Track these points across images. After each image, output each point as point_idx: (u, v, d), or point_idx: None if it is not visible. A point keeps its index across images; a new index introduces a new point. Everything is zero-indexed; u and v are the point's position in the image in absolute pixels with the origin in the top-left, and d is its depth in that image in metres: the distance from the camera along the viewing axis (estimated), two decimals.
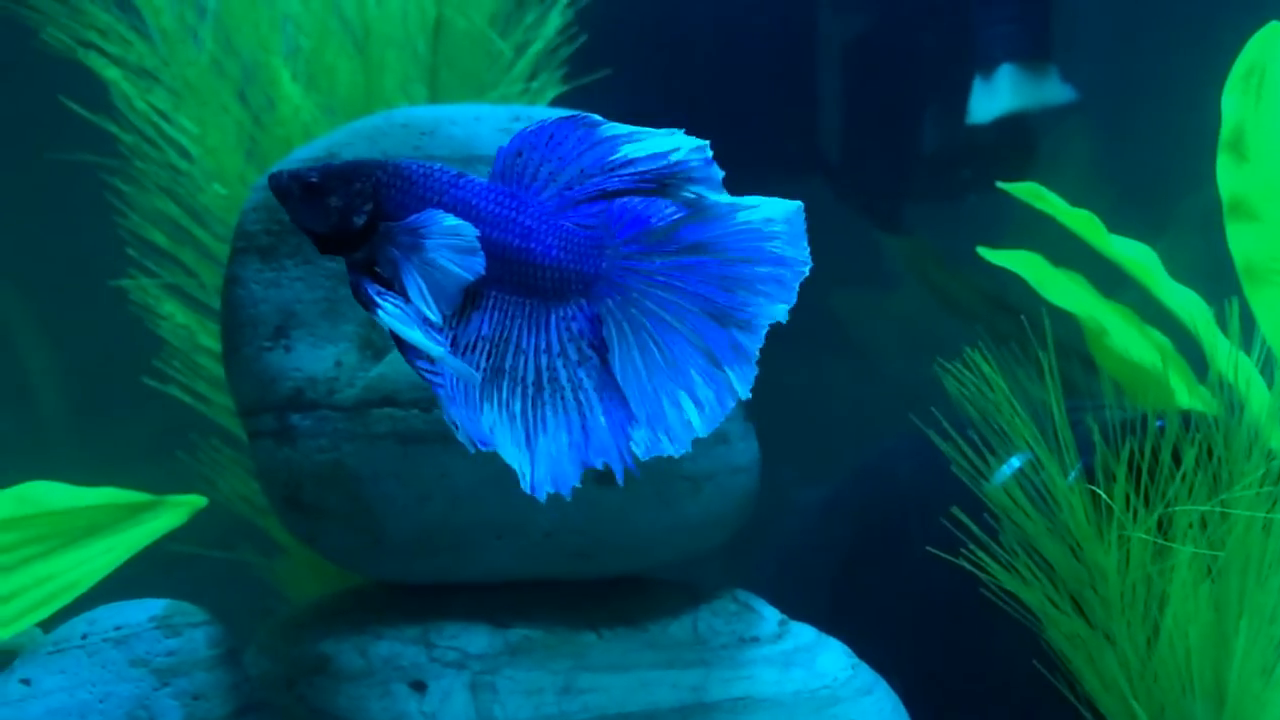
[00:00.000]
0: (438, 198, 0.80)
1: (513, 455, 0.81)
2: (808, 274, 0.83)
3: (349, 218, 0.79)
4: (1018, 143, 2.15)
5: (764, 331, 0.83)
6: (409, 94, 1.98)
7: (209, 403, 1.96)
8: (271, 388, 1.37)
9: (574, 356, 0.81)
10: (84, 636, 1.33)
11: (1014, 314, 1.56)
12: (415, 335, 0.78)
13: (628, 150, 0.80)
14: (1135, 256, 1.67)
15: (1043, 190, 1.68)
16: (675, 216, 0.82)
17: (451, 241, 0.78)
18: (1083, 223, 1.66)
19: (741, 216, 0.82)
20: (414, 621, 1.37)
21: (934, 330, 2.15)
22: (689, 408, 0.81)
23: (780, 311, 0.82)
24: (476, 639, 1.35)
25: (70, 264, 2.03)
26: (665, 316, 0.82)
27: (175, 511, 1.56)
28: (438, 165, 0.82)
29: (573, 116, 0.81)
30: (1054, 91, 2.12)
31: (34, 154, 1.93)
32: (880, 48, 2.22)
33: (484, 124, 1.44)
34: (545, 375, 0.81)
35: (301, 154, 1.45)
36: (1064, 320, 1.64)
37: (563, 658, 1.35)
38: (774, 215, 0.82)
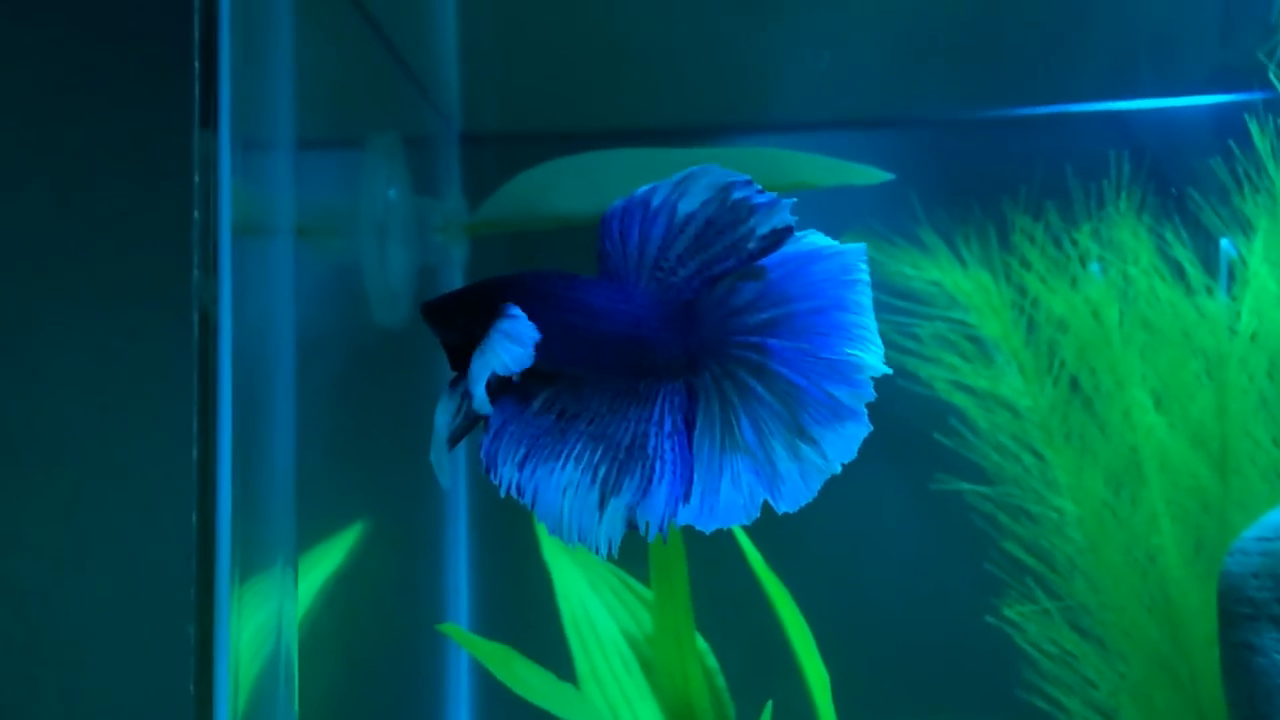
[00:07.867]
0: (555, 300, 0.86)
1: (554, 504, 0.83)
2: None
3: (472, 330, 0.87)
4: None
5: (870, 384, 0.80)
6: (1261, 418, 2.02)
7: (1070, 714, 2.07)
8: None
9: (667, 428, 0.84)
10: None
11: None
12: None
13: (683, 208, 0.83)
14: None
15: None
16: (758, 277, 0.83)
17: (508, 331, 0.84)
18: None
19: (818, 267, 0.82)
20: None
21: None
22: (749, 485, 0.81)
23: (879, 358, 0.80)
24: None
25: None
26: (757, 389, 0.82)
27: None
28: (554, 271, 0.87)
29: (627, 201, 0.84)
30: None
31: (915, 482, 2.17)
32: None
33: None
34: (638, 441, 0.84)
35: (1253, 533, 1.53)
36: None
37: None
38: (849, 260, 0.81)
